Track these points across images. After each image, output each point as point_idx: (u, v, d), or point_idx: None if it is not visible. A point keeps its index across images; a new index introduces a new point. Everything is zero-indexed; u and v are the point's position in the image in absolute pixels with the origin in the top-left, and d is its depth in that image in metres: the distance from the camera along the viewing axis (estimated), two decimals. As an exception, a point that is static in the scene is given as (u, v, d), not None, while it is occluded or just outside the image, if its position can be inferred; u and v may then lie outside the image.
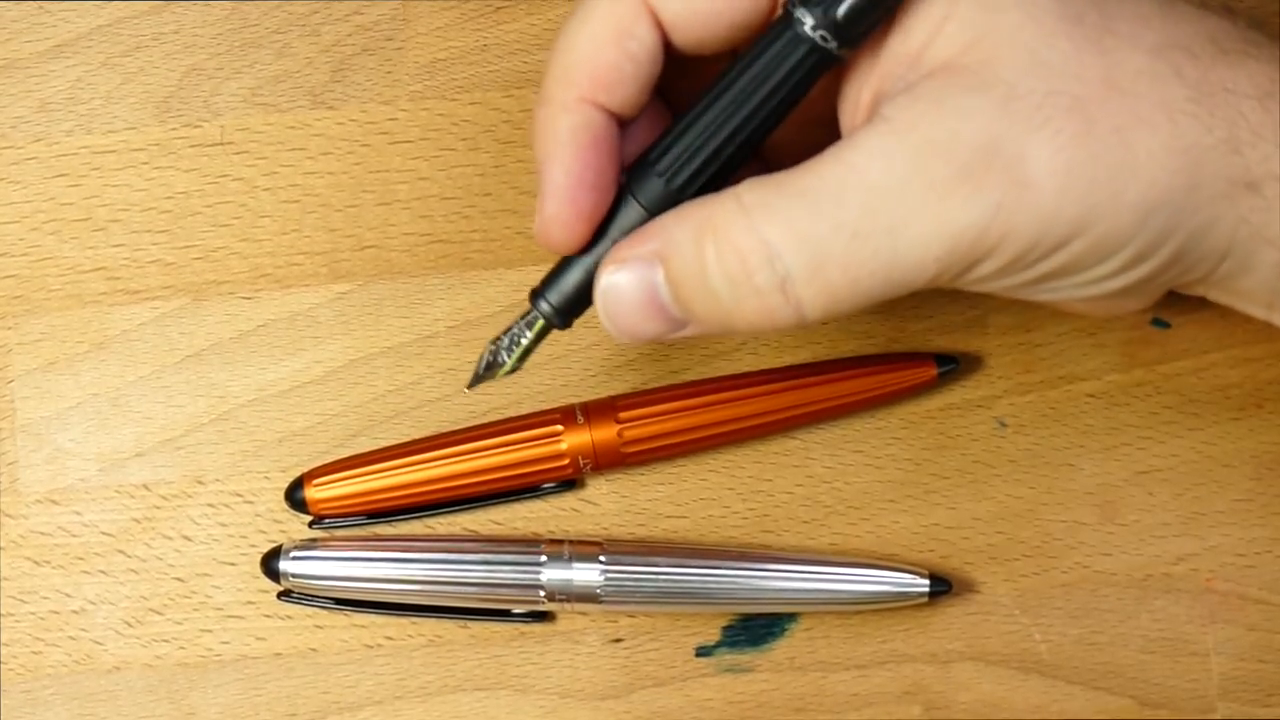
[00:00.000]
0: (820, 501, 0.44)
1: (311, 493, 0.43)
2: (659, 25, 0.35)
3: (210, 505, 0.44)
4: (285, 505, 0.43)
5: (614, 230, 0.36)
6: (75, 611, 0.44)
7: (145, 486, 0.44)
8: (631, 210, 0.36)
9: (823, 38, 0.33)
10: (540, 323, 0.37)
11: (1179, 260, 0.33)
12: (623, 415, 0.42)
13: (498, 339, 0.38)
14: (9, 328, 0.44)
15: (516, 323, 0.38)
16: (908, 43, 0.33)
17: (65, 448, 0.44)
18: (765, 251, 0.33)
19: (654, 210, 0.35)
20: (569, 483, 0.43)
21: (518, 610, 0.43)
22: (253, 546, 0.44)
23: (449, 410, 0.44)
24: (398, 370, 0.44)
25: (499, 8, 0.46)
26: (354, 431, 0.44)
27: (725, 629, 0.44)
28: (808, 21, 0.33)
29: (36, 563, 0.44)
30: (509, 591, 0.42)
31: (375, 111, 0.45)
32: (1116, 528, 0.44)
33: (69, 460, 0.44)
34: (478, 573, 0.42)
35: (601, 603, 0.42)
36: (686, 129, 0.35)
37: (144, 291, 0.45)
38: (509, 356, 0.38)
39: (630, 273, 0.35)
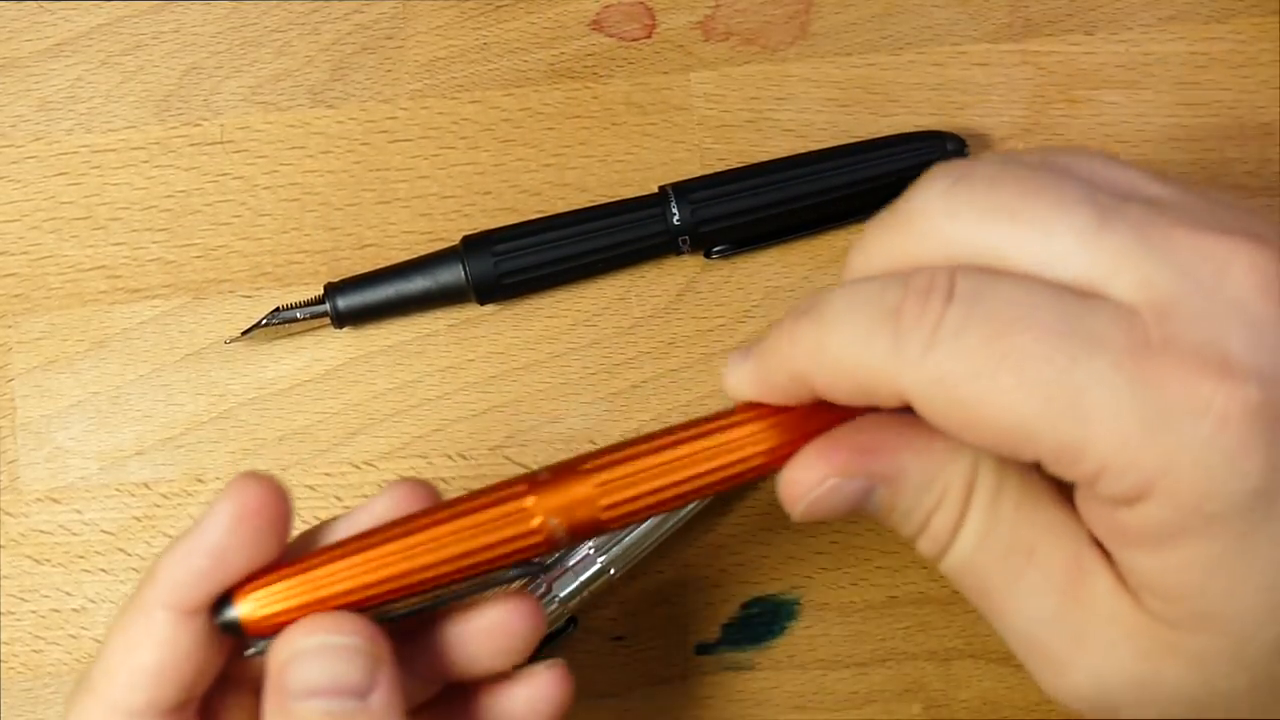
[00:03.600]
0: (820, 499, 0.44)
1: (245, 610, 0.32)
2: None
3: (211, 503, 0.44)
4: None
5: None
6: (76, 610, 0.44)
7: (145, 485, 0.44)
8: None
9: None
10: (325, 318, 0.43)
11: None
12: (594, 475, 0.33)
13: (279, 310, 0.44)
14: (9, 326, 0.44)
15: (306, 307, 0.44)
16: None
17: (65, 446, 0.44)
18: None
19: None
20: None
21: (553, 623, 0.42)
22: (253, 545, 0.44)
23: (449, 408, 0.44)
24: (397, 368, 0.44)
25: (499, 6, 0.46)
26: (354, 429, 0.44)
27: (725, 627, 0.44)
28: None
29: (37, 561, 0.44)
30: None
31: (375, 110, 0.45)
32: (1116, 525, 0.44)
33: (69, 458, 0.44)
34: None
35: (615, 571, 0.42)
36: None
37: (144, 290, 0.45)
38: (274, 322, 0.43)
39: (858, 486, 0.32)
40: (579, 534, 0.33)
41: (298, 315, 0.44)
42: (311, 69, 0.45)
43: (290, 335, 0.44)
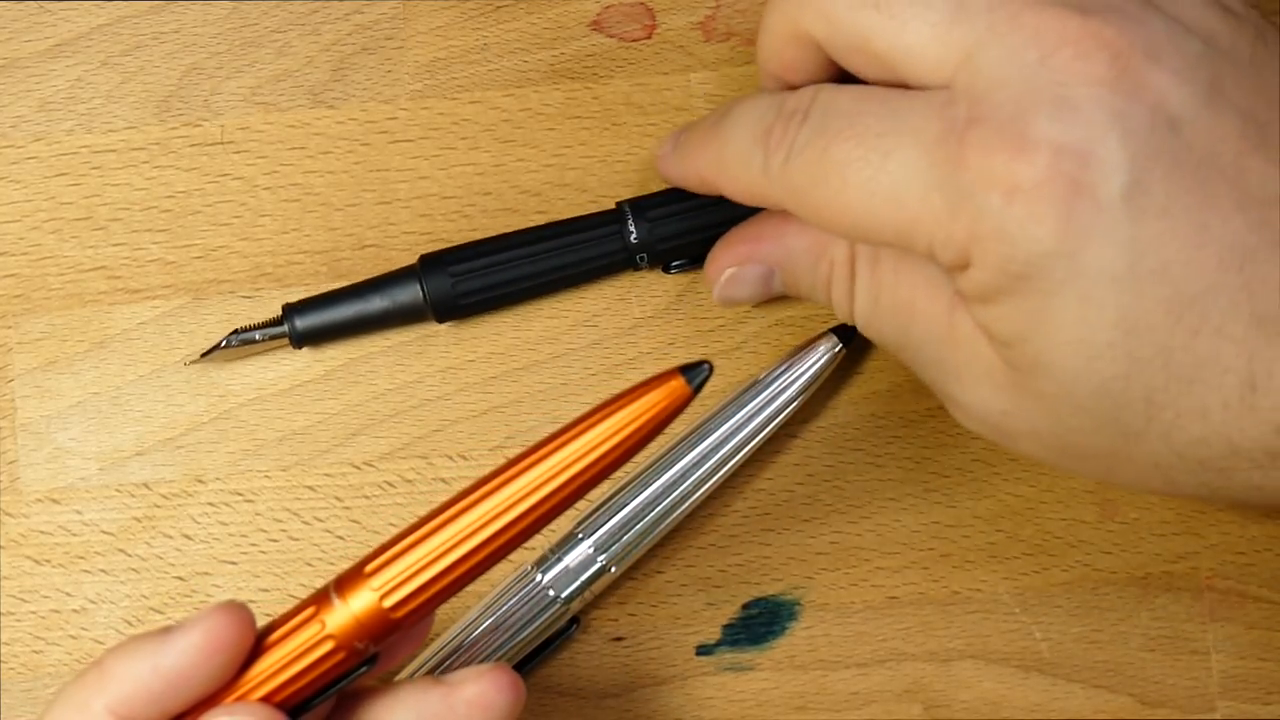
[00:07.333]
0: (821, 500, 0.44)
1: None
2: None
3: (211, 504, 0.44)
4: (286, 504, 0.43)
5: None
6: (76, 610, 0.44)
7: (146, 485, 0.44)
8: None
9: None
10: (283, 339, 0.43)
11: None
12: (374, 578, 0.32)
13: (238, 331, 0.43)
14: (9, 327, 0.44)
15: (264, 328, 0.43)
16: None
17: (66, 446, 0.44)
18: None
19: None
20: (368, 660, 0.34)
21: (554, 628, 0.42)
22: (253, 545, 0.44)
23: (449, 408, 0.44)
24: (398, 369, 0.44)
25: (499, 6, 0.46)
26: (354, 430, 0.44)
27: (726, 627, 0.44)
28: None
29: (37, 561, 0.44)
30: (531, 629, 0.42)
31: (375, 110, 0.45)
32: (1116, 526, 0.44)
33: (69, 459, 0.44)
34: (491, 623, 0.42)
35: (615, 569, 0.42)
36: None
37: (144, 290, 0.45)
38: (233, 344, 0.43)
39: (755, 270, 0.40)
40: (379, 637, 0.32)
41: (256, 336, 0.43)
42: (312, 69, 0.45)
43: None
